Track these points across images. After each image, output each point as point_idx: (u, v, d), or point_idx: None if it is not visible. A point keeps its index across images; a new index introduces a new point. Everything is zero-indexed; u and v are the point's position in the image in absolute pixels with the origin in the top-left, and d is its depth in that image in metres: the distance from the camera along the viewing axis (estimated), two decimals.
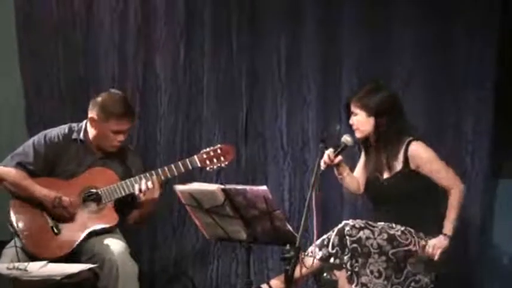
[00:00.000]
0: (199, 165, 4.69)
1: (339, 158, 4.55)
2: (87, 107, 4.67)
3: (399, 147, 4.57)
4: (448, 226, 4.46)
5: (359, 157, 4.81)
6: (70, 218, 4.51)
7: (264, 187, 3.90)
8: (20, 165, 4.57)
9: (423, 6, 5.12)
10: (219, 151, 4.72)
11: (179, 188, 4.10)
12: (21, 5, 5.35)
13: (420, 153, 4.54)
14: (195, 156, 4.70)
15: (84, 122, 4.70)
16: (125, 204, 4.63)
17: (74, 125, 4.73)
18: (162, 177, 4.60)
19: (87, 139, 4.66)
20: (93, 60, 5.40)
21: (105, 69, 5.40)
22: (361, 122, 4.59)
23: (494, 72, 5.03)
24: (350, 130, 4.65)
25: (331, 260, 4.37)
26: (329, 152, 4.50)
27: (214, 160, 4.71)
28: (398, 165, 4.57)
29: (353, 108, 4.61)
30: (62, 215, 4.50)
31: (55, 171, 4.62)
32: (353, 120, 4.61)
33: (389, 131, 4.56)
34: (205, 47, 5.38)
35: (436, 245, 4.43)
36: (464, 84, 5.10)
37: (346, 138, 4.56)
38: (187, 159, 4.69)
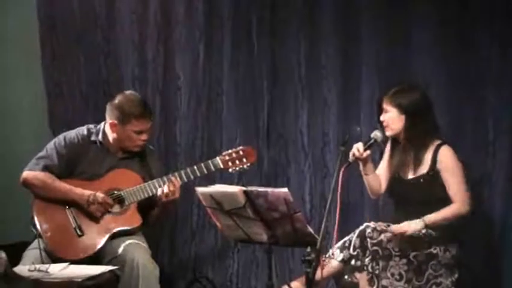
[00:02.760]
0: (222, 166, 4.66)
1: (367, 152, 4.51)
2: None
3: (427, 148, 4.54)
4: (431, 217, 4.40)
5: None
6: (102, 216, 4.51)
7: (285, 189, 3.89)
8: (46, 168, 4.58)
9: (442, 5, 5.09)
10: (241, 153, 4.69)
11: (200, 190, 4.10)
12: (44, 8, 5.37)
13: (448, 159, 4.51)
14: (218, 158, 4.67)
15: (102, 123, 4.69)
16: (146, 205, 4.62)
17: (92, 126, 4.72)
18: (185, 179, 4.59)
19: (106, 141, 4.66)
20: (113, 62, 5.42)
21: (125, 70, 5.42)
22: (393, 119, 4.54)
23: None
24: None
25: (352, 262, 4.36)
26: (358, 145, 4.48)
27: (237, 162, 4.68)
28: (425, 167, 4.54)
29: (385, 105, 4.57)
30: (99, 211, 4.50)
31: (75, 172, 4.63)
32: (384, 117, 4.57)
33: (419, 131, 4.52)
34: (225, 49, 5.37)
35: (408, 225, 4.37)
36: (485, 84, 5.06)
37: (376, 134, 4.54)
38: (209, 161, 4.66)
